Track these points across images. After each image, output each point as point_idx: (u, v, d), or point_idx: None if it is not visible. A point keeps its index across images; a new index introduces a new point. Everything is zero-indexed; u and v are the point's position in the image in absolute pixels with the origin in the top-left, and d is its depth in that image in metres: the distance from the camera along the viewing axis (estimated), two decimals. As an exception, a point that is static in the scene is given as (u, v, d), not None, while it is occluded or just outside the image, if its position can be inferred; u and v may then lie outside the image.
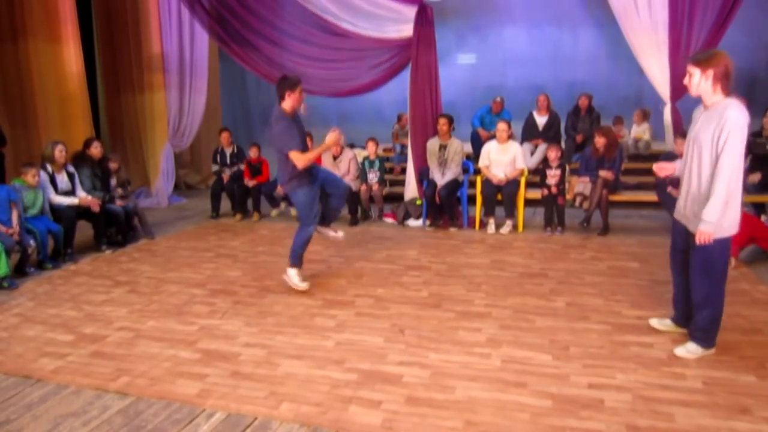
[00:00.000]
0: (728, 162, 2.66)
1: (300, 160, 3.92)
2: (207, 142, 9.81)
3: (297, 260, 4.23)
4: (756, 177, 5.56)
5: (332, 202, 4.47)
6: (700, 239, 2.78)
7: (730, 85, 2.72)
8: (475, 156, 7.36)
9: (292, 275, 4.22)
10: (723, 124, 2.65)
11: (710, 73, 2.70)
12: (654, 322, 3.39)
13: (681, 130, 5.85)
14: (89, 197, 5.58)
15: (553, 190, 5.92)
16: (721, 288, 2.93)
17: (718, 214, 2.72)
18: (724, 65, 2.68)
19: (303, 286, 4.21)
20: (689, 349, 3.00)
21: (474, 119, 8.06)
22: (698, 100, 2.91)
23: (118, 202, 5.92)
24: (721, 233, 2.78)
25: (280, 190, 7.05)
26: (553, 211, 5.99)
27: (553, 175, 5.97)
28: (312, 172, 4.17)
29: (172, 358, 3.16)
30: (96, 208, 5.51)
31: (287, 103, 3.97)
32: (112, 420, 2.55)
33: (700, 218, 2.78)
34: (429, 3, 6.32)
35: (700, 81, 2.76)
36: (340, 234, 4.51)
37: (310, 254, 5.30)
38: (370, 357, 3.10)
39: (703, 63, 2.72)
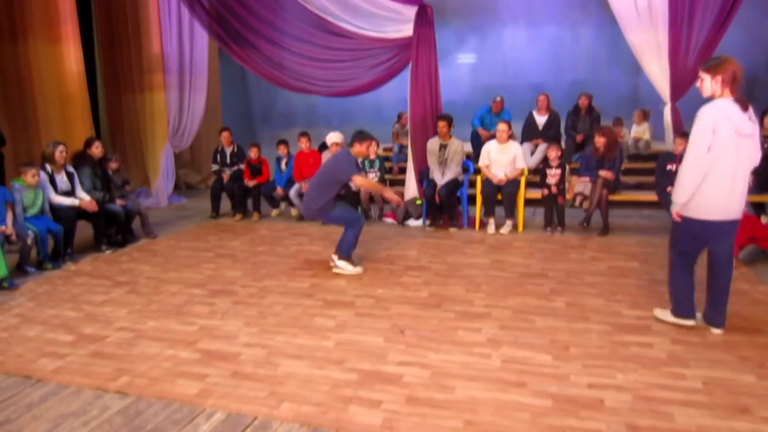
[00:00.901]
0: (689, 151, 3.02)
1: (360, 180, 4.76)
2: (207, 142, 9.82)
3: (348, 253, 4.74)
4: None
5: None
6: (673, 216, 3.24)
7: (737, 88, 3.00)
8: (475, 156, 7.36)
9: (344, 265, 4.71)
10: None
11: (719, 78, 2.99)
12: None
13: (681, 130, 5.85)
14: (89, 199, 5.57)
15: (553, 189, 5.92)
16: (677, 259, 3.28)
17: (683, 197, 3.08)
18: (732, 71, 2.97)
19: (358, 270, 4.72)
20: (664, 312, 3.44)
21: (474, 119, 8.06)
22: (697, 100, 3.17)
23: (118, 202, 5.91)
24: (685, 212, 3.16)
25: (279, 191, 7.07)
26: (553, 211, 5.99)
27: (553, 175, 5.96)
28: (340, 193, 5.05)
29: (172, 358, 3.16)
30: (92, 209, 5.49)
31: (355, 149, 4.78)
32: (112, 420, 2.55)
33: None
34: (429, 3, 6.32)
35: (710, 85, 3.04)
36: (359, 269, 4.78)
37: (310, 254, 5.32)
38: (370, 357, 3.10)
39: (712, 70, 3.02)
